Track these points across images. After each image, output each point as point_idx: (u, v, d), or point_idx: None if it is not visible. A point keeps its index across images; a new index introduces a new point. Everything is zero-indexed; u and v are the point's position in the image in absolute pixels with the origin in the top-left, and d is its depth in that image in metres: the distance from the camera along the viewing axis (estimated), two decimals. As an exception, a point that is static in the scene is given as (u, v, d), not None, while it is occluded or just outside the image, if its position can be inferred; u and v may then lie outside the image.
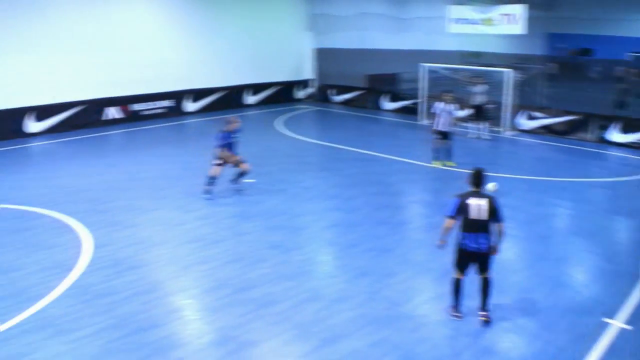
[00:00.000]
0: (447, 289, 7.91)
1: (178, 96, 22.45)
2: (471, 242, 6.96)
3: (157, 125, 20.48)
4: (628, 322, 7.25)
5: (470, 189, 7.11)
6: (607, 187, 13.64)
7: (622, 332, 7.05)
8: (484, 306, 7.21)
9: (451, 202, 7.13)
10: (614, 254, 9.54)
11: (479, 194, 7.03)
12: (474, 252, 6.99)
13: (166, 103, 22.06)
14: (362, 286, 8.14)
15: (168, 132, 19.53)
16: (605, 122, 18.68)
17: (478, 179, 7.09)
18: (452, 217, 7.05)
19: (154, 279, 8.30)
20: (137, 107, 21.09)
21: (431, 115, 14.77)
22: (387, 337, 6.82)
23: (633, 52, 44.24)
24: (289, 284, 8.18)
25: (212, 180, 12.00)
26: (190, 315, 7.39)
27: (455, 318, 7.26)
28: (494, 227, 7.03)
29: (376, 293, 7.94)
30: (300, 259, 9.05)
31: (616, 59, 40.04)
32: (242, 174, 12.45)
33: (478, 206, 6.92)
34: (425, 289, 8.18)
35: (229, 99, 24.18)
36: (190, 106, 22.95)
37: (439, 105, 14.47)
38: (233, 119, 12.40)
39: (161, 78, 21.64)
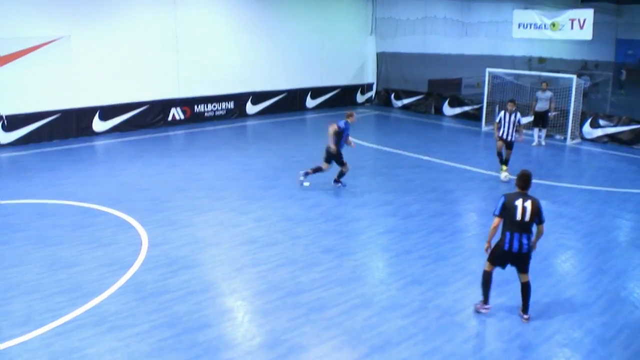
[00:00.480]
0: (502, 300, 7.82)
1: (240, 98, 22.77)
2: (515, 242, 7.06)
3: (218, 127, 20.83)
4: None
5: (517, 190, 7.24)
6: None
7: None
8: (526, 308, 7.34)
9: (498, 201, 7.27)
10: (678, 269, 9.16)
11: (525, 196, 7.13)
12: (518, 253, 7.10)
13: (228, 105, 22.41)
14: (414, 294, 8.03)
15: (228, 134, 19.83)
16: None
17: (524, 181, 7.19)
18: (498, 216, 7.20)
19: (207, 279, 8.42)
20: (199, 108, 21.51)
21: (495, 124, 14.31)
22: (438, 347, 6.70)
23: None
24: (340, 289, 8.15)
25: (317, 170, 12.94)
26: (241, 317, 7.44)
27: (484, 312, 7.40)
28: (534, 228, 7.16)
29: (428, 301, 7.82)
30: (353, 265, 9.00)
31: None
32: (342, 174, 13.02)
33: (524, 207, 7.02)
34: (479, 298, 7.95)
35: (290, 102, 24.39)
36: (251, 108, 23.23)
37: (501, 115, 14.09)
38: (353, 112, 13.32)
39: (224, 80, 22.00)
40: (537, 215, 7.04)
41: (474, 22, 31.88)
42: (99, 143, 18.05)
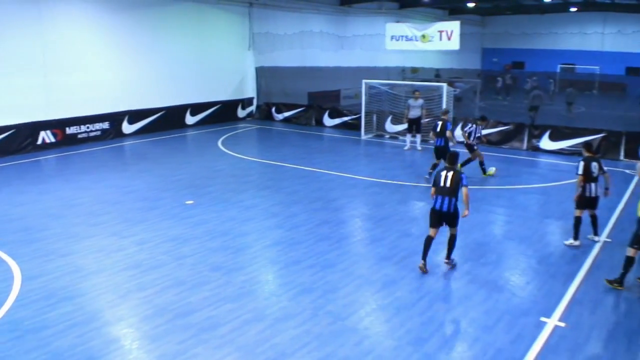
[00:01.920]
0: (388, 300, 8.12)
1: (115, 118, 21.90)
2: (438, 203, 8.97)
3: (93, 149, 19.90)
4: (562, 320, 7.63)
5: (447, 165, 9.19)
6: (539, 193, 14.22)
7: (558, 329, 7.39)
8: (449, 255, 9.34)
9: (434, 175, 9.39)
10: (547, 255, 10.02)
11: (449, 169, 9.07)
12: (440, 211, 8.96)
13: (103, 125, 21.48)
14: (305, 303, 8.07)
15: (105, 156, 19.00)
16: (535, 131, 19.72)
17: (451, 159, 9.27)
18: (432, 185, 9.18)
19: (90, 309, 7.97)
20: (71, 130, 20.45)
21: (465, 133, 15.69)
22: (331, 353, 6.77)
23: (563, 64, 46.27)
24: (231, 305, 8.02)
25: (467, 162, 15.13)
26: (129, 345, 7.10)
27: (421, 271, 8.98)
28: (459, 193, 8.89)
29: (319, 309, 7.88)
30: (242, 280, 8.90)
31: (548, 70, 41.84)
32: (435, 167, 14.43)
33: (446, 176, 8.99)
34: (367, 301, 8.17)
35: (169, 119, 23.79)
36: (128, 128, 22.44)
37: (473, 127, 15.48)
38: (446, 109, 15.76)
39: (97, 99, 21.08)
40: (457, 182, 8.86)
41: (349, 35, 32.91)
42: (-39, 173, 16.67)
